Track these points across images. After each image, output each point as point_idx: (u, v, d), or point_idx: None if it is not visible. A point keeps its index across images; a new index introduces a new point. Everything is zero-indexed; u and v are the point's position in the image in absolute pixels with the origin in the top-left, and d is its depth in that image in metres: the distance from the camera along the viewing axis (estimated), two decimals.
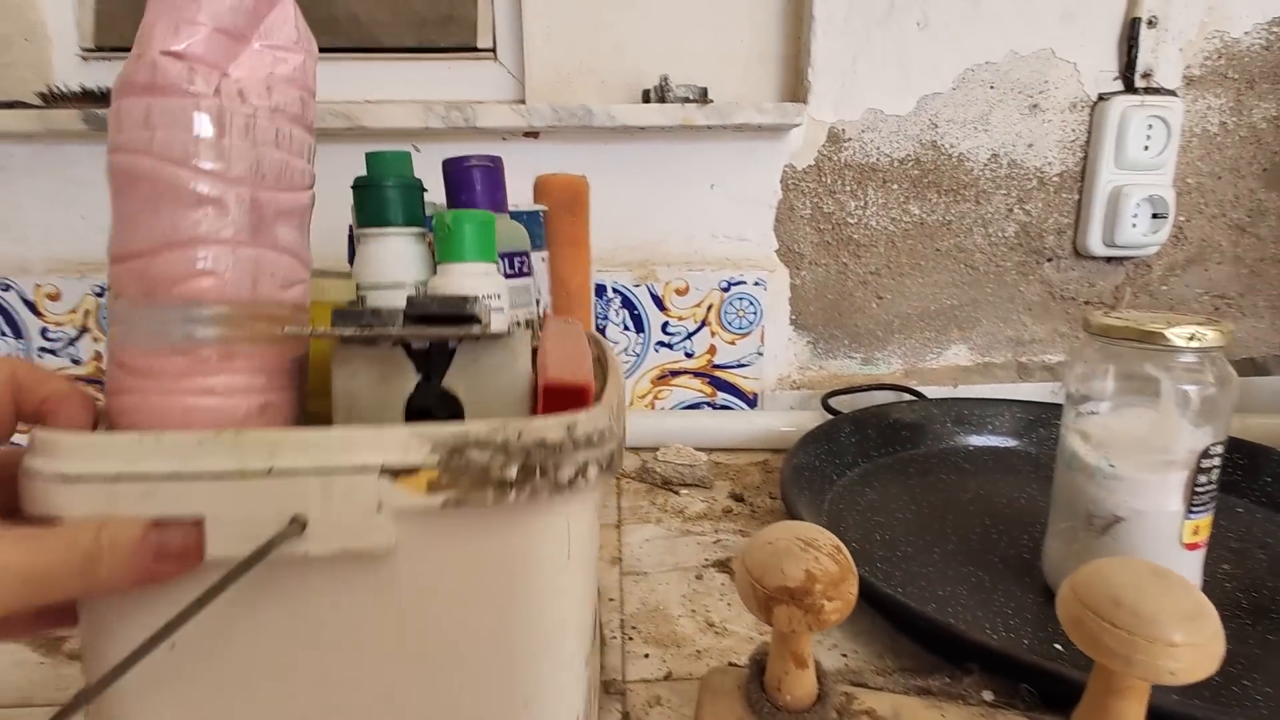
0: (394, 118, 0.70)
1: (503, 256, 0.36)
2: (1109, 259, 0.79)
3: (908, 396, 0.75)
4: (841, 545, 0.30)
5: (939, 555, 0.50)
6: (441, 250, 0.31)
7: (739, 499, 0.63)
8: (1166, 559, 0.40)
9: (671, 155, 0.76)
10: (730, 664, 0.39)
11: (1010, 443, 0.69)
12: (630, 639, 0.43)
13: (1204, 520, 0.40)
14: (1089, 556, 0.42)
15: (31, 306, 0.74)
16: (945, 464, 0.65)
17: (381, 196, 0.33)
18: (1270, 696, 0.36)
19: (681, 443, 0.70)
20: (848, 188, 0.77)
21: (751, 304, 0.77)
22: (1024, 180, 0.78)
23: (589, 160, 0.75)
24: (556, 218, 0.47)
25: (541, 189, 0.49)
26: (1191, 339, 0.37)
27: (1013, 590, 0.46)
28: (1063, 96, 0.76)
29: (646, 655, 0.41)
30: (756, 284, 0.76)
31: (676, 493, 0.64)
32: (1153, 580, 0.26)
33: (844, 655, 0.41)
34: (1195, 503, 0.40)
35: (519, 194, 0.43)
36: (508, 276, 0.36)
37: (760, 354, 0.78)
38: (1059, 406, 0.70)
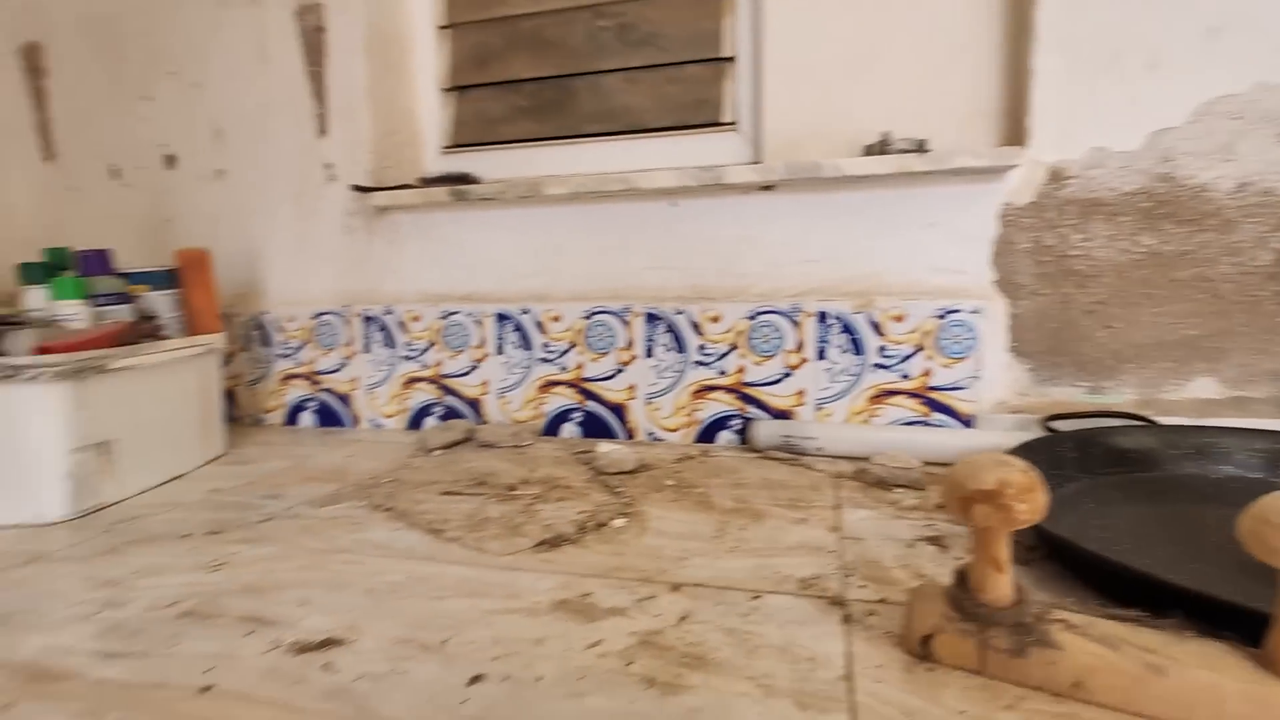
0: (659, 180, 0.89)
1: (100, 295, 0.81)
2: None
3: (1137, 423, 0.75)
4: (1032, 468, 0.37)
5: (1159, 554, 0.52)
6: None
7: None
8: None
9: (891, 200, 0.86)
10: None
11: (1260, 475, 0.66)
12: (849, 577, 0.52)
13: None
14: None
15: (402, 326, 1.04)
16: (1179, 490, 0.65)
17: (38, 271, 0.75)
18: None
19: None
20: (1070, 221, 0.81)
21: (968, 330, 0.82)
22: None
23: (815, 207, 0.88)
24: (186, 270, 0.92)
25: (180, 255, 0.93)
26: None
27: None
28: None
29: (863, 586, 0.50)
30: (973, 311, 0.82)
31: (890, 490, 0.72)
32: None
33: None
34: None
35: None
36: (101, 302, 0.81)
37: (977, 378, 0.83)
38: None
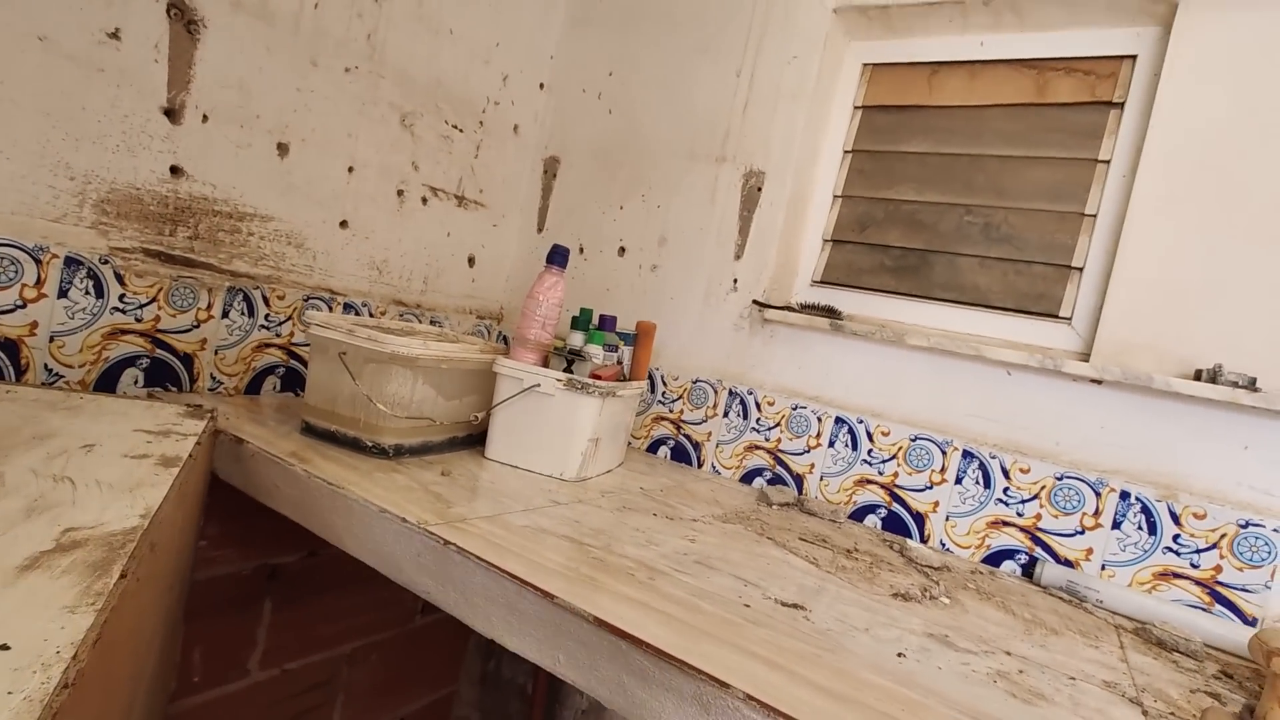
0: (1003, 354, 1.15)
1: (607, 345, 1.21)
2: None
3: None
4: None
5: None
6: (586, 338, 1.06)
7: (1228, 675, 0.84)
8: None
9: (1210, 417, 1.03)
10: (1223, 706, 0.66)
11: None
12: (1143, 693, 0.73)
13: None
14: None
15: (758, 406, 1.40)
16: None
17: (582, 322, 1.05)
18: None
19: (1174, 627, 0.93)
20: None
21: (1266, 544, 0.96)
22: None
23: (1135, 404, 1.08)
24: (640, 336, 1.29)
25: (639, 325, 1.32)
26: None
27: None
28: None
29: (1155, 701, 0.71)
30: (1275, 530, 0.96)
31: (1170, 652, 0.89)
32: None
33: None
34: None
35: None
36: (607, 350, 1.21)
37: (1268, 587, 0.96)
38: None
